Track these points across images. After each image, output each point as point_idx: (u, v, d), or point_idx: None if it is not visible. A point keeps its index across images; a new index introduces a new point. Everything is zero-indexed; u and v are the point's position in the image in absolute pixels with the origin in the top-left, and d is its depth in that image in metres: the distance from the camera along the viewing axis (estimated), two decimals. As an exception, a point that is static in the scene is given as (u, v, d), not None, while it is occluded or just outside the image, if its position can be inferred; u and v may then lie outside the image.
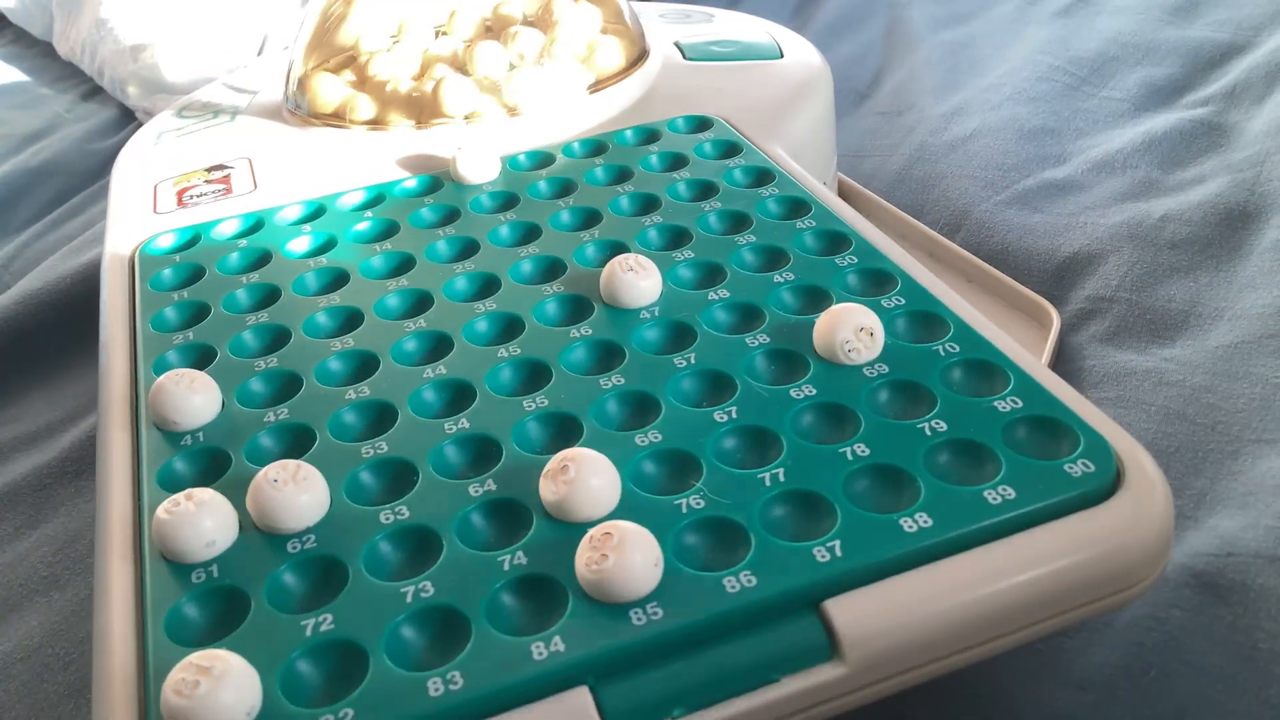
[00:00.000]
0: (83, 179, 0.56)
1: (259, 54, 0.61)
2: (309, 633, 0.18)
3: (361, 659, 0.18)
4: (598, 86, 0.37)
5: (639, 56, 0.38)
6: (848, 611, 0.18)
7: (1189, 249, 0.36)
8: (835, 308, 0.23)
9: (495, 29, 0.39)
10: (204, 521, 0.20)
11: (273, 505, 0.20)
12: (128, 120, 0.61)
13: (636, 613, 0.18)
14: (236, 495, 0.21)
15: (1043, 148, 0.43)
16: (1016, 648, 0.19)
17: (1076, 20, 0.54)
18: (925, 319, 0.24)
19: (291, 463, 0.21)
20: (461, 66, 0.36)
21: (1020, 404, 0.21)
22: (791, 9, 0.65)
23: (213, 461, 0.23)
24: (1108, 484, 0.20)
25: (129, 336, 0.27)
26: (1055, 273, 0.37)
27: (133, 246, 0.31)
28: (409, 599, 0.19)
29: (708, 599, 0.18)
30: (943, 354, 0.23)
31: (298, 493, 0.20)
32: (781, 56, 0.39)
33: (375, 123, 0.35)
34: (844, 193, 0.44)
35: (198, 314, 0.28)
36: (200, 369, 0.25)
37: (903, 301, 0.25)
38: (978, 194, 0.41)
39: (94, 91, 0.66)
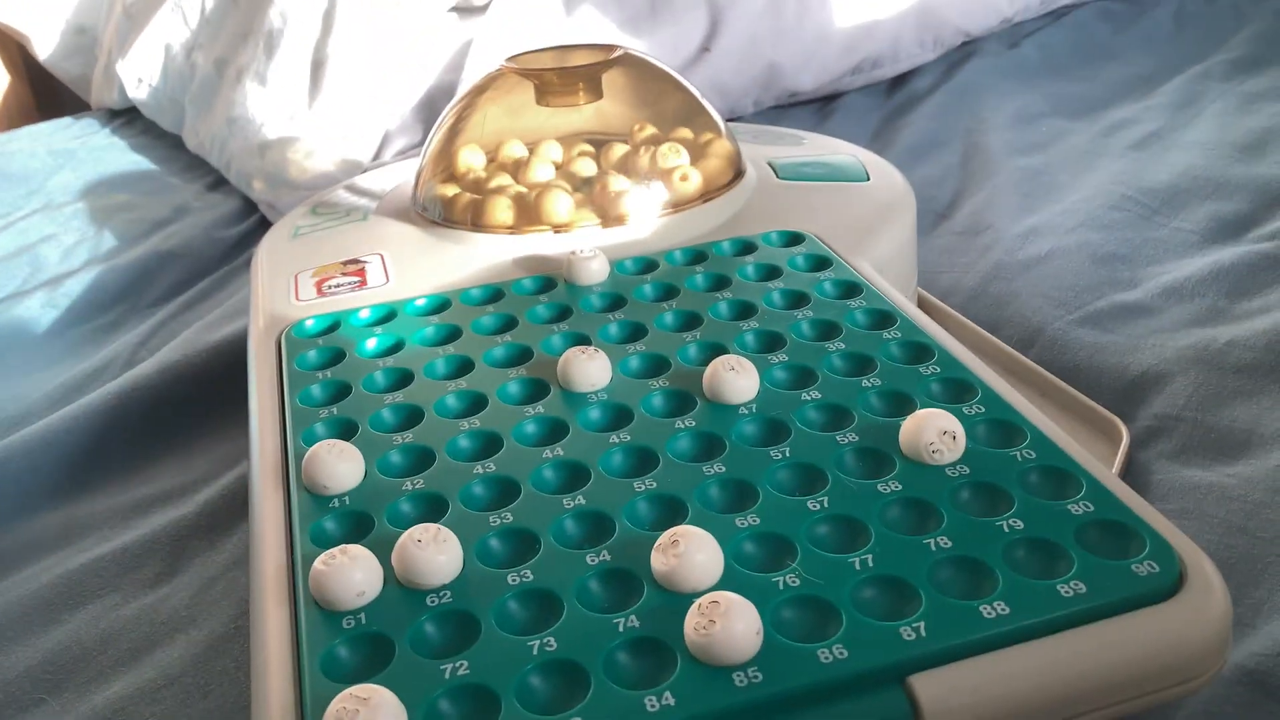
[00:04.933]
0: (209, 264, 0.60)
1: (374, 156, 0.65)
2: (448, 676, 0.21)
3: (494, 702, 0.20)
4: (699, 200, 0.40)
5: (736, 174, 0.42)
6: (931, 686, 0.20)
7: (1253, 374, 0.37)
8: (921, 412, 0.26)
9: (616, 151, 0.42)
10: (355, 574, 0.23)
11: (416, 562, 0.23)
12: (250, 211, 0.66)
13: (739, 675, 0.20)
14: (380, 553, 0.24)
15: (1114, 272, 0.46)
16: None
17: (1149, 153, 0.57)
18: (1004, 426, 0.26)
19: (432, 525, 0.23)
20: (580, 182, 0.40)
21: (1091, 508, 0.23)
22: (871, 132, 0.68)
23: (358, 522, 0.25)
24: (1171, 584, 0.22)
25: (278, 409, 0.30)
26: (1124, 391, 0.39)
27: (278, 329, 0.35)
28: (535, 651, 0.21)
29: (803, 667, 0.20)
30: (1020, 459, 0.25)
31: (437, 552, 0.23)
32: (868, 179, 0.42)
33: (497, 227, 0.39)
34: (923, 307, 0.46)
35: (340, 392, 0.31)
36: (344, 440, 0.28)
37: (983, 409, 0.27)
38: (1051, 312, 0.43)
39: (218, 183, 0.72)
